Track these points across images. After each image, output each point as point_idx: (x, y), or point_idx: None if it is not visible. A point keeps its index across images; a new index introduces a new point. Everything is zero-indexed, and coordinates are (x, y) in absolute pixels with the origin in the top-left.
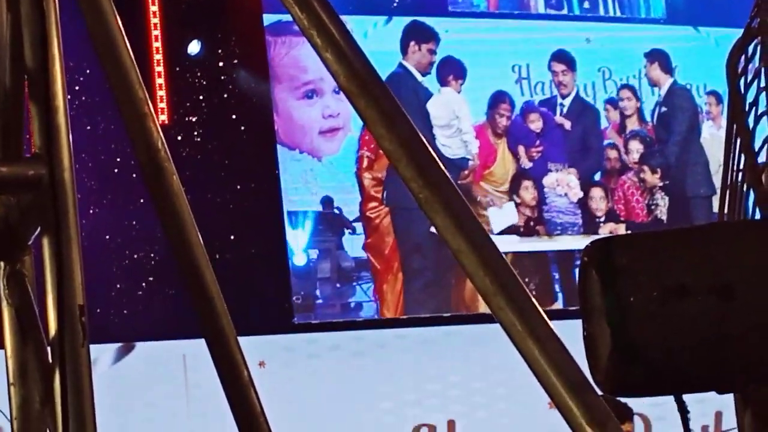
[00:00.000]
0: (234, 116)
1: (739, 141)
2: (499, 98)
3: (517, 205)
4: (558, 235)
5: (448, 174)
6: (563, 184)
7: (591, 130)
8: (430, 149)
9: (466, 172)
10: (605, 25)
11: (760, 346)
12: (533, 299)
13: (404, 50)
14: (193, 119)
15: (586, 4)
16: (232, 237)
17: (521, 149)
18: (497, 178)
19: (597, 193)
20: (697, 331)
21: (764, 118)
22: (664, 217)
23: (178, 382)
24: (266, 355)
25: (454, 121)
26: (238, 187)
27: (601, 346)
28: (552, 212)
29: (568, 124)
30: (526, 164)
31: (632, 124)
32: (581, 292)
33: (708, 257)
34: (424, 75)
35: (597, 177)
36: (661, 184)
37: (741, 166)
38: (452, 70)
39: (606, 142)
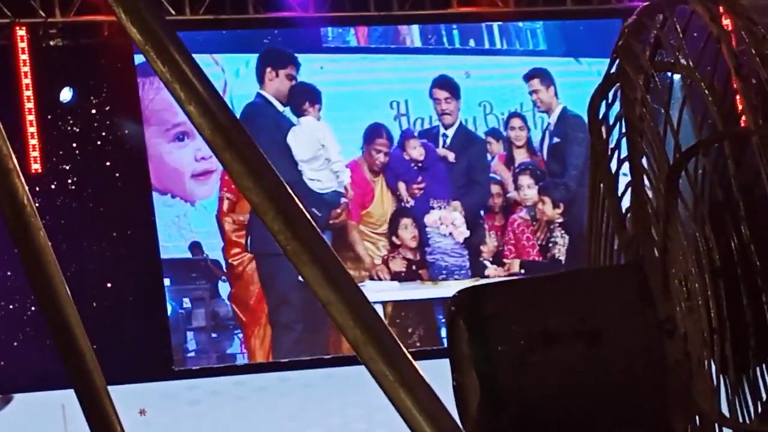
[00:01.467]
0: (108, 163)
1: (602, 185)
2: (375, 132)
3: (396, 246)
4: (443, 280)
5: (315, 225)
6: (447, 222)
7: (477, 163)
8: (297, 201)
9: (339, 210)
10: (485, 59)
11: (629, 390)
12: (404, 348)
13: (260, 78)
14: (67, 167)
15: (471, 42)
16: (108, 285)
17: (401, 185)
18: (375, 219)
19: (481, 232)
20: (565, 377)
21: (626, 163)
22: (563, 257)
23: None
24: (147, 403)
25: (320, 151)
26: (114, 234)
27: (470, 395)
28: (436, 254)
29: (452, 156)
30: (408, 201)
31: (521, 156)
32: (450, 342)
33: (574, 303)
34: (284, 105)
35: (482, 214)
36: (561, 220)
37: (605, 212)
38: (306, 97)
39: (491, 175)
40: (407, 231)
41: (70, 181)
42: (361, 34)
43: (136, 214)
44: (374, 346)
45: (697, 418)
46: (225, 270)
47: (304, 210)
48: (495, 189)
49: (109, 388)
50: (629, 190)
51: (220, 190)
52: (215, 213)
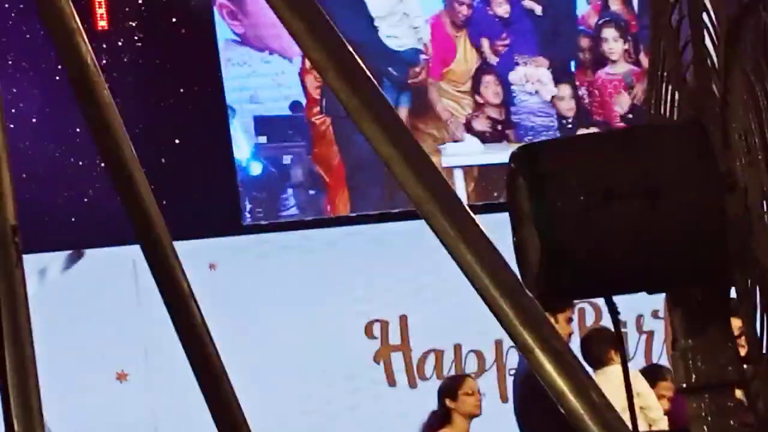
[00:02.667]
0: (174, 19)
1: (663, 41)
2: None
3: (480, 105)
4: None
5: (375, 81)
6: (533, 79)
7: (564, 14)
8: (357, 57)
9: (418, 69)
10: None
11: (689, 246)
12: (465, 205)
13: None
14: (134, 24)
15: None
16: (176, 141)
17: (485, 42)
18: (458, 77)
19: (566, 91)
20: (624, 233)
21: (686, 18)
22: None
23: (128, 288)
24: (217, 258)
25: (398, 5)
26: (181, 90)
27: (530, 252)
28: (521, 114)
29: (538, 9)
30: (492, 59)
31: (615, 5)
32: (509, 199)
33: (634, 160)
34: None
35: (572, 69)
36: None
37: (665, 67)
38: None
39: (580, 28)
40: (490, 89)
41: (136, 38)
42: None
43: (203, 70)
44: (435, 202)
45: (757, 271)
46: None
47: (364, 66)
48: (584, 42)
49: (178, 243)
50: (689, 45)
51: None
52: (298, 71)
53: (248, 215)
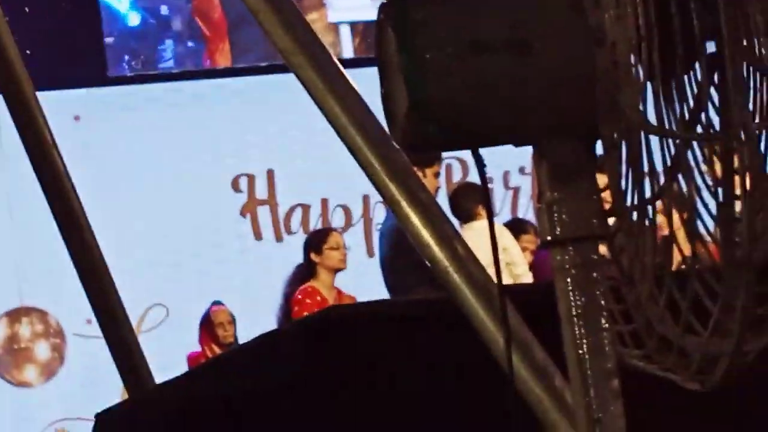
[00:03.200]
0: None
1: None
2: None
3: None
4: None
5: None
6: None
7: None
8: None
9: None
10: None
11: (557, 100)
12: (333, 57)
13: None
14: None
15: None
16: None
17: None
18: None
19: None
20: (494, 86)
21: None
22: None
23: None
24: (81, 110)
25: None
26: None
27: (398, 103)
28: None
29: None
30: None
31: None
32: (378, 49)
33: (504, 12)
34: None
35: None
36: None
37: None
38: None
39: None
40: None
41: None
42: None
43: None
44: (304, 54)
45: (623, 125)
46: None
47: None
48: None
49: (42, 93)
50: None
51: None
52: None
53: (126, 66)
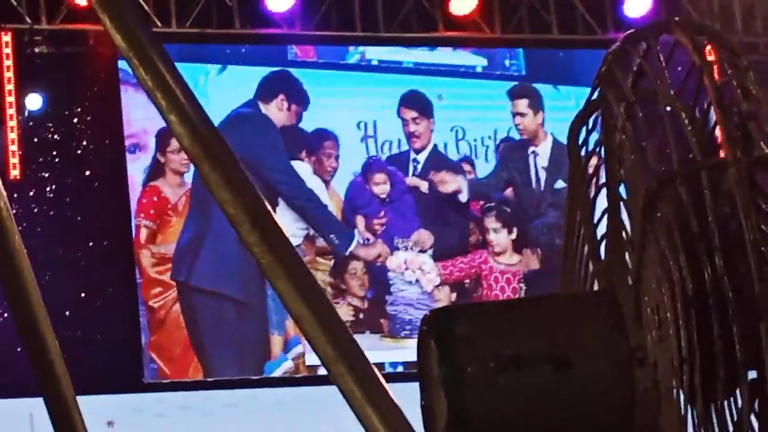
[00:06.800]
0: (87, 172)
1: (579, 212)
2: (323, 135)
3: (342, 293)
4: (405, 338)
5: (290, 239)
6: (414, 267)
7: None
8: (274, 214)
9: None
10: (460, 81)
11: (594, 418)
12: (374, 367)
13: (266, 98)
14: (46, 174)
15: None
16: (83, 294)
17: (360, 220)
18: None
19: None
20: (533, 401)
21: (603, 189)
22: None
23: None
24: (115, 415)
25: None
26: (90, 244)
27: (437, 416)
28: (398, 305)
29: (424, 186)
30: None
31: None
32: (420, 361)
33: (544, 328)
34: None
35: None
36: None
37: (580, 239)
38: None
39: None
40: (356, 279)
41: (48, 189)
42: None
43: (113, 224)
44: (344, 363)
45: None
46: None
47: (280, 223)
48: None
49: (78, 398)
50: (605, 217)
51: (136, 216)
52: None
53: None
